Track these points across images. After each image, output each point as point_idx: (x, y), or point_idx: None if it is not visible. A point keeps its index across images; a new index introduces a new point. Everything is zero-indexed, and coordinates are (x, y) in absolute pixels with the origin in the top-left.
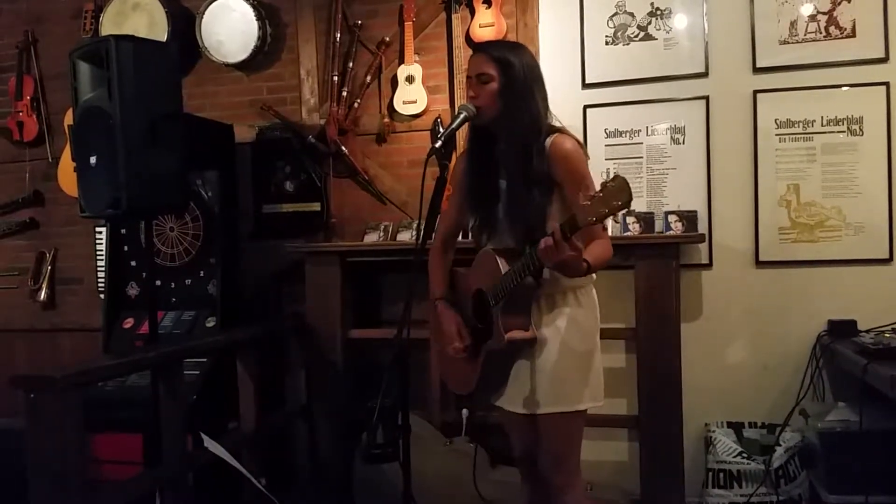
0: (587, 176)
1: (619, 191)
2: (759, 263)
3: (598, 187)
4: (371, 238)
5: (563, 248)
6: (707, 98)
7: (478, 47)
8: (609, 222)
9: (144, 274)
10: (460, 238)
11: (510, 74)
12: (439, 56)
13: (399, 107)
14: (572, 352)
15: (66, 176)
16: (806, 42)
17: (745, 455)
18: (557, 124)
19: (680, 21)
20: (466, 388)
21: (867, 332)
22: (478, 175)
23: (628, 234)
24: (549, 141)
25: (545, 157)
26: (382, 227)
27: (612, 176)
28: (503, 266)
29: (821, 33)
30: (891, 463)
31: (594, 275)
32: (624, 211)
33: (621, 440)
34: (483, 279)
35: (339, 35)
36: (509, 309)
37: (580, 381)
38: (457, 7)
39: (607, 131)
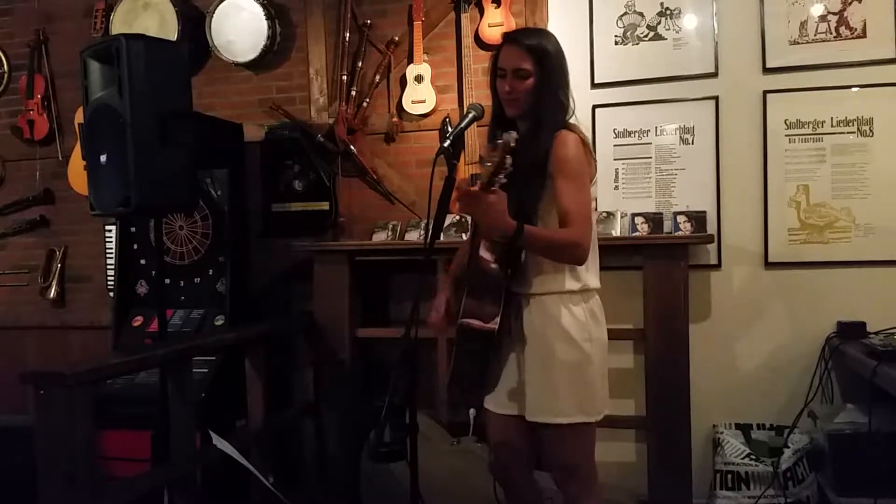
0: (576, 170)
1: (493, 150)
2: (769, 264)
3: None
4: (379, 237)
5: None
6: (716, 98)
7: (510, 38)
8: (616, 221)
9: (154, 272)
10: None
11: (546, 66)
12: (448, 56)
13: (408, 106)
14: (560, 363)
15: (77, 174)
16: (816, 42)
17: (753, 456)
18: (572, 121)
19: (689, 21)
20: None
21: (876, 333)
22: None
23: (637, 234)
24: (556, 135)
25: (549, 150)
26: (391, 226)
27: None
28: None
29: (831, 34)
30: None
31: (593, 286)
32: (506, 168)
33: (629, 441)
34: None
35: (348, 34)
36: (477, 295)
37: (570, 394)
38: (466, 7)
39: (616, 131)
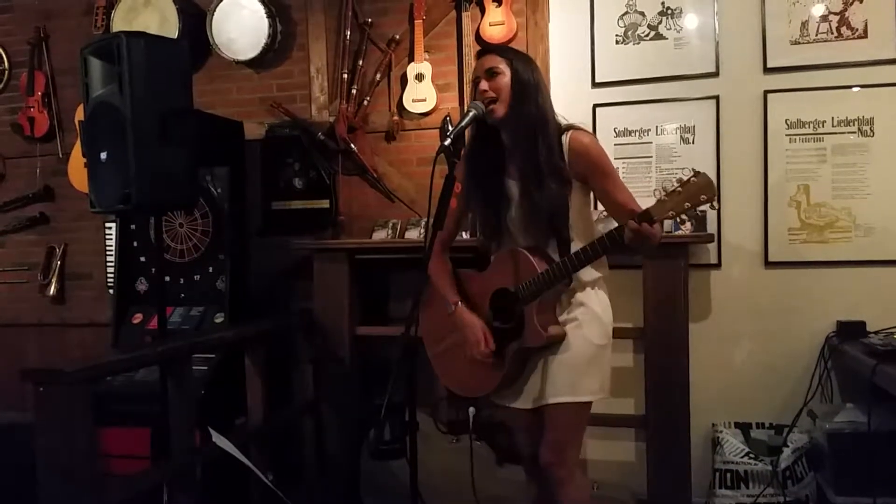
0: (611, 166)
1: (705, 186)
2: (769, 264)
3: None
4: (379, 235)
5: (651, 233)
6: (717, 98)
7: (482, 51)
8: None
9: (154, 269)
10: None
11: (517, 68)
12: (449, 54)
13: (408, 105)
14: (590, 344)
15: (77, 171)
16: (817, 42)
17: (752, 455)
18: (564, 122)
19: (690, 21)
20: (483, 391)
21: (876, 333)
22: (483, 177)
23: None
24: (566, 137)
25: (563, 153)
26: (391, 224)
27: (693, 172)
28: (537, 264)
29: (832, 34)
30: None
31: (607, 270)
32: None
33: (628, 440)
34: (507, 278)
35: (349, 33)
36: (541, 308)
37: (595, 373)
38: (467, 5)
39: (617, 130)
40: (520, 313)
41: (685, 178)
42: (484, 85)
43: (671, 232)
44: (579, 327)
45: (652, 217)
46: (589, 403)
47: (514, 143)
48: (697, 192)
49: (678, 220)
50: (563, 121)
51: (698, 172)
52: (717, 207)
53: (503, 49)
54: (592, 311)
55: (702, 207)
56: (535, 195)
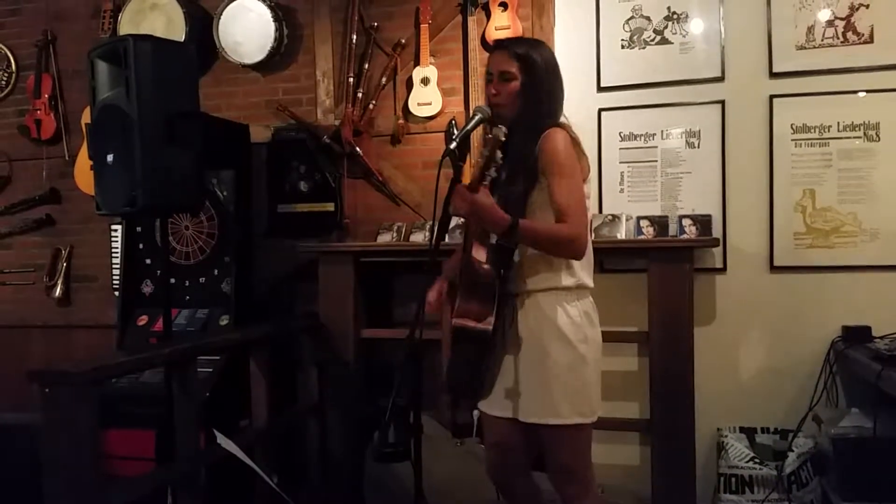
0: (566, 167)
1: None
2: (774, 268)
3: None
4: (384, 239)
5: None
6: (723, 102)
7: (499, 44)
8: (622, 224)
9: (159, 272)
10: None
11: (532, 73)
12: (455, 58)
13: (414, 108)
14: (555, 363)
15: (83, 174)
16: (823, 47)
17: (757, 460)
18: (563, 121)
19: (696, 25)
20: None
21: (881, 338)
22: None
23: (642, 237)
24: (543, 135)
25: (535, 148)
26: (396, 227)
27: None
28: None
29: (838, 38)
30: None
31: (587, 284)
32: (496, 162)
33: (633, 444)
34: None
35: (354, 37)
36: (470, 296)
37: (565, 395)
38: (473, 9)
39: (622, 135)
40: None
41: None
42: (492, 89)
43: (676, 236)
44: (542, 343)
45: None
46: (578, 426)
47: (518, 142)
48: (492, 146)
49: (487, 175)
50: (564, 121)
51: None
52: (501, 134)
53: (520, 48)
54: (558, 328)
55: (490, 149)
56: (504, 188)
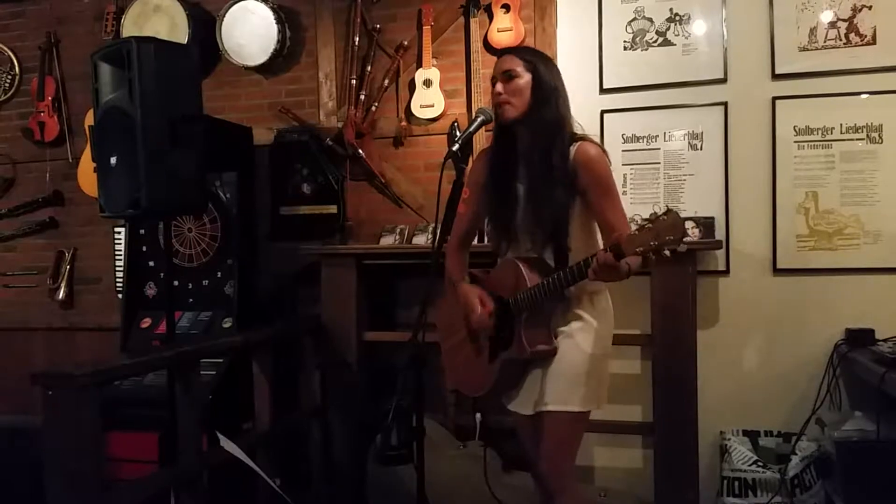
0: (612, 184)
1: (672, 226)
2: (777, 271)
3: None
4: (387, 241)
5: (614, 265)
6: (725, 104)
7: (504, 50)
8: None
9: (162, 274)
10: (475, 241)
11: (536, 73)
12: (457, 60)
13: (416, 110)
14: (584, 354)
15: (86, 176)
16: (826, 49)
17: (760, 463)
18: (580, 131)
19: (699, 27)
20: (477, 392)
21: (885, 340)
22: (497, 177)
23: None
24: (574, 147)
25: (570, 162)
26: (398, 230)
27: (664, 209)
28: (529, 278)
29: (841, 40)
30: None
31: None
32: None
33: (636, 447)
34: (505, 288)
35: (357, 39)
36: (533, 321)
37: (588, 384)
38: (475, 11)
39: (625, 136)
40: (512, 324)
41: (656, 215)
42: (499, 87)
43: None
44: (571, 337)
45: (621, 250)
46: (582, 414)
47: (530, 146)
48: (664, 231)
49: (650, 256)
50: (578, 129)
51: (669, 210)
52: (683, 249)
53: (524, 50)
54: (588, 323)
55: (669, 248)
56: (540, 201)
